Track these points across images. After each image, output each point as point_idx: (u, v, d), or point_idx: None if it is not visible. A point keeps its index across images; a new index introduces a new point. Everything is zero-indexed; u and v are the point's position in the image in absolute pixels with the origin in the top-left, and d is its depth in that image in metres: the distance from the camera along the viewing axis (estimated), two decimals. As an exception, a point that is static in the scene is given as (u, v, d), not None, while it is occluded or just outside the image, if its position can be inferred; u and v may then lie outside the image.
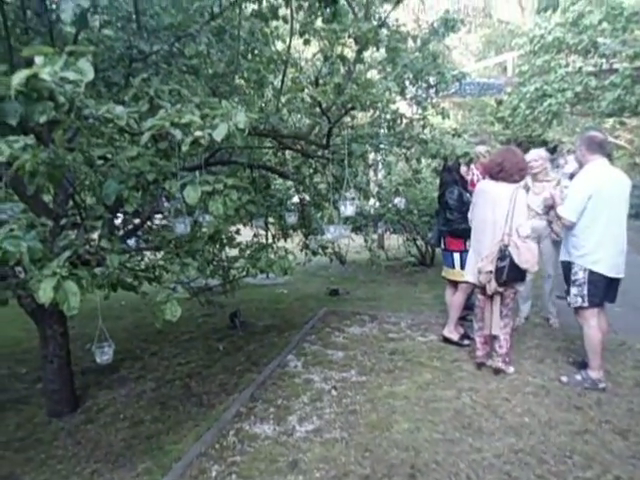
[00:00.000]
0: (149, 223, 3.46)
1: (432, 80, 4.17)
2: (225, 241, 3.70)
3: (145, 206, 2.80)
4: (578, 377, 3.31)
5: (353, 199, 3.05)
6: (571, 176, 4.31)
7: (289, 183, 4.65)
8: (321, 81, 3.30)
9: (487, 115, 14.79)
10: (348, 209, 2.99)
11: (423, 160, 4.60)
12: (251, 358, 4.00)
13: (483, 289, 3.45)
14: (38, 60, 1.28)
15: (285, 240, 4.86)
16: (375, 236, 8.33)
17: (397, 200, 5.42)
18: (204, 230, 2.89)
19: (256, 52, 3.66)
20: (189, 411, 3.17)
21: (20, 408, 3.29)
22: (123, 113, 1.74)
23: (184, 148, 1.79)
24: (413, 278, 7.18)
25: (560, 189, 3.89)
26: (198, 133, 1.74)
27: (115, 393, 3.46)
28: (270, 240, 4.98)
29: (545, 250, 4.42)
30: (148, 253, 3.16)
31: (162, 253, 2.81)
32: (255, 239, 4.35)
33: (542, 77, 9.79)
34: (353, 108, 3.02)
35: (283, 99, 3.73)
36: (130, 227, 3.10)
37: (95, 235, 2.51)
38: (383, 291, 6.41)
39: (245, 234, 4.27)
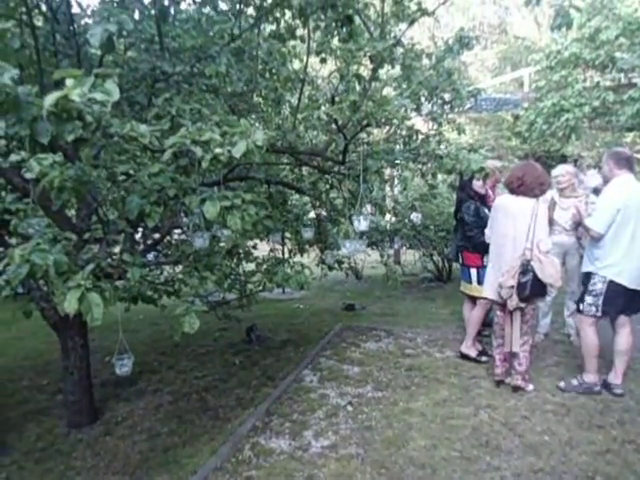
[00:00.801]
0: (168, 238, 3.53)
1: (447, 97, 4.20)
2: (242, 255, 3.77)
3: (165, 221, 2.87)
4: (574, 382, 3.39)
5: (367, 215, 3.08)
6: (594, 190, 4.27)
7: (306, 199, 4.70)
8: (337, 99, 3.35)
9: (504, 130, 14.73)
10: (362, 224, 3.02)
11: (439, 175, 4.62)
12: (267, 372, 4.01)
13: (502, 305, 3.42)
14: (68, 82, 1.34)
15: (301, 255, 4.89)
16: (391, 251, 8.31)
17: (413, 215, 5.42)
18: (222, 244, 2.95)
19: (274, 71, 3.75)
20: (205, 425, 3.18)
21: (41, 419, 3.35)
22: (146, 131, 1.81)
23: (204, 165, 1.84)
24: (430, 293, 7.12)
25: (585, 202, 3.86)
26: (217, 150, 1.80)
27: (133, 405, 3.50)
28: (287, 255, 5.03)
29: (571, 266, 4.35)
30: (167, 267, 3.23)
31: (181, 267, 2.87)
32: (272, 254, 4.40)
33: (559, 92, 9.73)
34: (369, 125, 3.06)
35: (300, 116, 3.80)
36: (150, 241, 3.17)
37: (117, 249, 2.58)
38: (399, 306, 6.37)
39: (262, 249, 4.33)
